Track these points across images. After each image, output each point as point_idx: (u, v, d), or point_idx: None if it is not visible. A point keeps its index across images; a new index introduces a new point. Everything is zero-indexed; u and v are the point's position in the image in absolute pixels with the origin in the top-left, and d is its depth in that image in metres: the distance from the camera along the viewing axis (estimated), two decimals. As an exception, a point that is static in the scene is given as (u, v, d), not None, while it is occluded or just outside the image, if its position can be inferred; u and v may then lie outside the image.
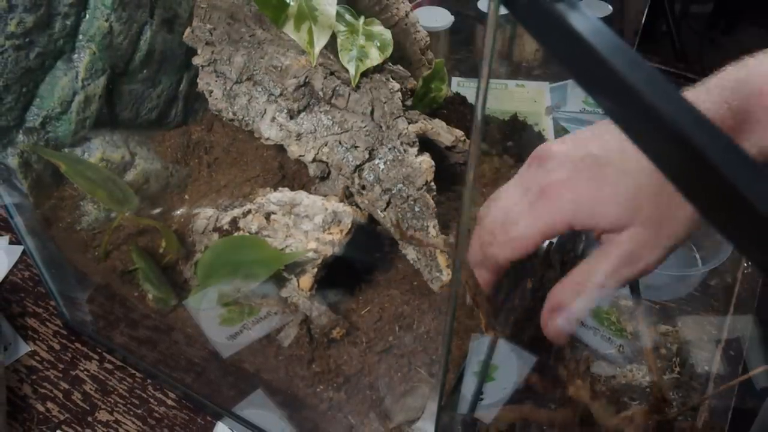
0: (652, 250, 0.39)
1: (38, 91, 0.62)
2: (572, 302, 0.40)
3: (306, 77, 0.61)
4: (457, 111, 0.75)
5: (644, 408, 0.43)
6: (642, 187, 0.38)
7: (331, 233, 0.53)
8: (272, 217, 0.54)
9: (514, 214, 0.41)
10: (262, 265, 0.52)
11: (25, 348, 0.68)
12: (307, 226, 0.53)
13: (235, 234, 0.55)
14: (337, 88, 0.61)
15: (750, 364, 0.65)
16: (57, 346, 0.68)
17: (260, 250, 0.53)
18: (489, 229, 0.42)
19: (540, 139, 0.77)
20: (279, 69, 0.61)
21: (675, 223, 0.38)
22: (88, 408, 0.63)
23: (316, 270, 0.53)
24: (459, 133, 0.65)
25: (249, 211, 0.57)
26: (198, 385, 0.62)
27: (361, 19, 0.63)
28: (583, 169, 0.39)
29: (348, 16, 0.63)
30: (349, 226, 0.54)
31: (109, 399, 0.64)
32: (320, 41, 0.54)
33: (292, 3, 0.54)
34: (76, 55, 0.62)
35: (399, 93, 0.62)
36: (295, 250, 0.53)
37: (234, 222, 0.56)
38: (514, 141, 0.74)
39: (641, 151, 0.20)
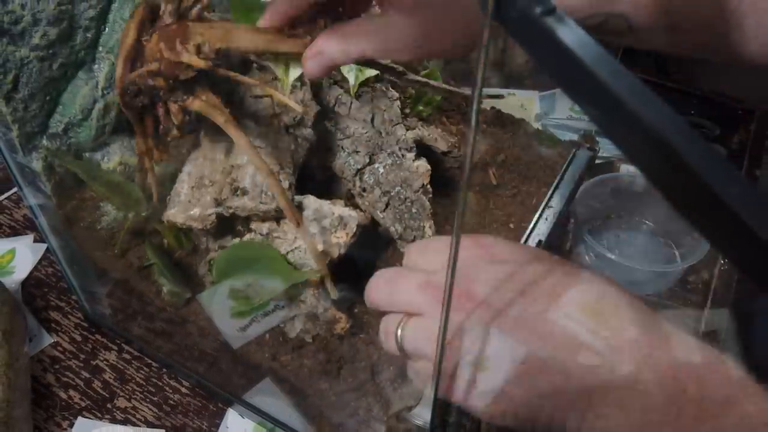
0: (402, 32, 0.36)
1: (61, 100, 0.61)
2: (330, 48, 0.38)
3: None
4: (459, 106, 0.73)
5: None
6: None
7: (337, 237, 0.53)
8: (282, 219, 0.54)
9: None
10: (275, 280, 0.52)
11: (48, 339, 0.67)
12: (315, 228, 0.53)
13: (247, 235, 0.55)
14: (340, 96, 0.60)
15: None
16: (78, 338, 0.68)
17: (275, 264, 0.52)
18: None
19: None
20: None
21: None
22: (107, 395, 0.63)
23: (321, 269, 0.53)
24: (454, 139, 0.65)
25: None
26: (210, 374, 0.62)
27: (363, 32, 0.63)
28: None
29: (350, 30, 0.63)
30: (354, 229, 0.54)
31: (127, 387, 0.64)
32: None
33: None
34: (96, 66, 0.62)
35: (398, 101, 0.62)
36: (303, 253, 0.53)
37: (246, 222, 0.55)
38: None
39: (629, 158, 0.20)
